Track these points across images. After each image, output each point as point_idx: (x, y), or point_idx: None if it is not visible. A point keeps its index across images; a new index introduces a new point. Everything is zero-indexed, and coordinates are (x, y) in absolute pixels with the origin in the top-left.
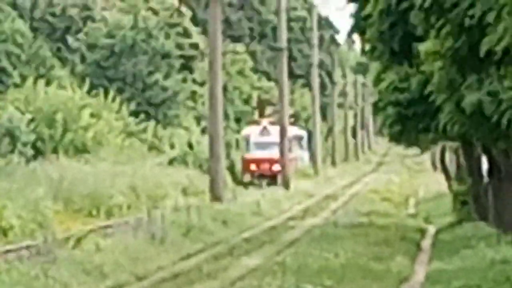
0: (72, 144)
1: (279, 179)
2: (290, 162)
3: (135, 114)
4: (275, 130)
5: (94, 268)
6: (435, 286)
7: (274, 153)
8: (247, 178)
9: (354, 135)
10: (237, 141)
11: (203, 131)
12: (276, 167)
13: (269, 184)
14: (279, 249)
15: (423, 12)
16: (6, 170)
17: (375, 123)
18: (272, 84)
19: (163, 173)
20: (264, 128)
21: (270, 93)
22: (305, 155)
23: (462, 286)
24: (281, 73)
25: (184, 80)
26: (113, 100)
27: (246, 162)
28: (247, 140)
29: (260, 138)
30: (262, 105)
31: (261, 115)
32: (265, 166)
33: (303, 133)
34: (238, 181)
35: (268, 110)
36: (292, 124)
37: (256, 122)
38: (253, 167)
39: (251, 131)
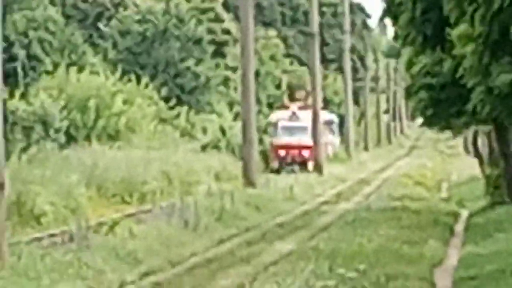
0: (105, 131)
1: (310, 165)
2: (321, 148)
3: (167, 100)
4: (304, 115)
5: (128, 254)
6: (469, 270)
7: (304, 138)
8: (275, 164)
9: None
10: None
11: (236, 116)
12: (306, 153)
13: (299, 171)
14: (312, 234)
15: None
16: (39, 157)
17: (408, 108)
18: (304, 69)
19: (196, 158)
20: (293, 113)
21: (302, 79)
22: (336, 140)
23: (496, 270)
24: (313, 58)
25: (217, 66)
26: (146, 86)
27: (274, 148)
28: (275, 125)
29: (289, 123)
30: (292, 90)
31: (291, 100)
32: (295, 152)
33: (334, 118)
34: (269, 167)
35: (297, 94)
36: (323, 108)
37: (285, 107)
38: (282, 153)
39: (280, 116)
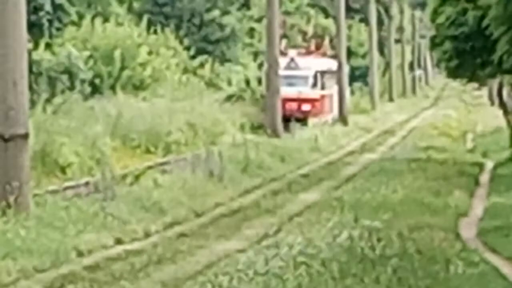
0: (130, 81)
1: (311, 121)
2: (322, 101)
3: (192, 50)
4: (305, 62)
5: (153, 204)
6: (494, 220)
7: (305, 89)
8: None
9: (412, 70)
10: None
11: (260, 67)
12: (307, 107)
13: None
14: (337, 184)
15: None
16: (64, 108)
17: (433, 58)
18: (328, 20)
19: (220, 109)
20: (292, 60)
21: (327, 29)
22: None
23: None
24: (338, 8)
25: (242, 17)
26: (172, 37)
27: None
28: None
29: (287, 72)
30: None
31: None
32: (293, 105)
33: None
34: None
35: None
36: (331, 57)
37: (283, 54)
38: None
39: None
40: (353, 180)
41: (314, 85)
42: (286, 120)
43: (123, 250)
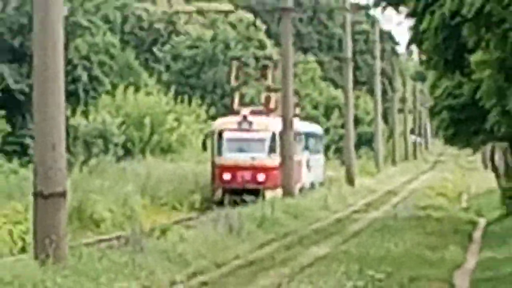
0: (159, 145)
1: (268, 194)
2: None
3: (215, 118)
4: (260, 122)
5: (178, 256)
6: (485, 272)
7: (260, 155)
8: (218, 193)
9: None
10: None
11: None
12: (261, 177)
13: (242, 201)
14: (345, 239)
15: (473, 24)
16: (98, 169)
17: (432, 126)
18: (337, 91)
19: None
20: (244, 118)
21: (337, 99)
22: (319, 158)
23: (510, 273)
24: (347, 80)
25: (260, 87)
26: (200, 106)
27: (218, 170)
28: (219, 136)
29: (239, 134)
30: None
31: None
32: (246, 175)
33: (318, 131)
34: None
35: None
36: (297, 116)
37: (236, 112)
38: (227, 177)
39: (225, 124)
40: (359, 235)
41: (272, 150)
42: (238, 192)
43: None
